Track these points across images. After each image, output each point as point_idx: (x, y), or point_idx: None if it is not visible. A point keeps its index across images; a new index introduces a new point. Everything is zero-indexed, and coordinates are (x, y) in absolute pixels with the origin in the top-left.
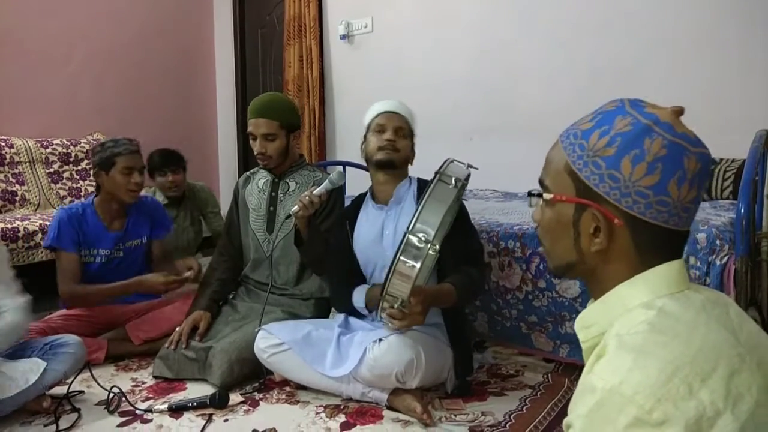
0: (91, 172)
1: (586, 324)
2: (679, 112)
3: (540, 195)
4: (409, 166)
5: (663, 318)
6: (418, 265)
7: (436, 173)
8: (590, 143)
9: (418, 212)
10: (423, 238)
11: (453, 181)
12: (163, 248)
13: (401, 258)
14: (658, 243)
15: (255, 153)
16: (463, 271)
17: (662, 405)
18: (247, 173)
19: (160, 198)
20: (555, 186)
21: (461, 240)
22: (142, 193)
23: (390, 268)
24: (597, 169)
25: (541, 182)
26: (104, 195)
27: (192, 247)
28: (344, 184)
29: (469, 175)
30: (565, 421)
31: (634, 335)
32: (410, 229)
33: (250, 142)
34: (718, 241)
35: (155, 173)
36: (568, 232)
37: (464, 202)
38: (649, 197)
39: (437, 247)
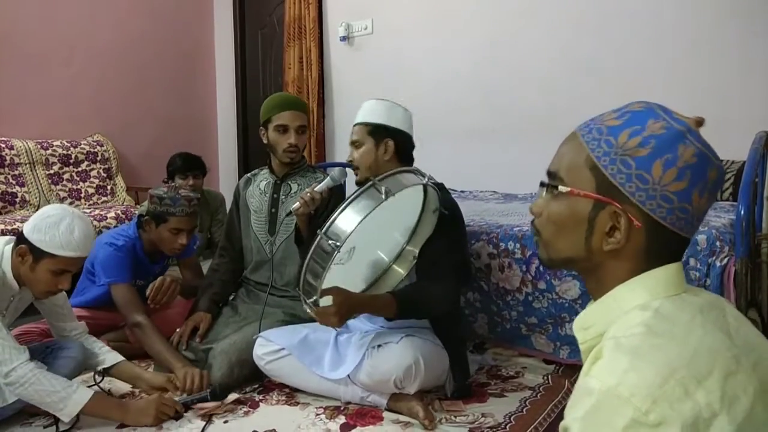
0: (144, 216)
1: (584, 325)
2: (700, 123)
3: (555, 186)
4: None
5: (659, 320)
6: (324, 268)
7: (373, 180)
8: (619, 141)
9: (336, 215)
10: (332, 245)
11: (383, 191)
12: (193, 267)
13: (311, 258)
14: (667, 247)
15: (284, 148)
16: (419, 283)
17: (659, 406)
18: (248, 175)
19: None
20: (571, 179)
21: (432, 251)
22: None
23: (303, 267)
24: (626, 168)
25: (552, 174)
26: (149, 239)
27: (197, 254)
28: (344, 183)
29: (426, 186)
30: (562, 424)
31: (631, 337)
32: (324, 231)
33: (275, 135)
34: (718, 243)
35: (176, 175)
36: (581, 228)
37: (463, 204)
38: (674, 203)
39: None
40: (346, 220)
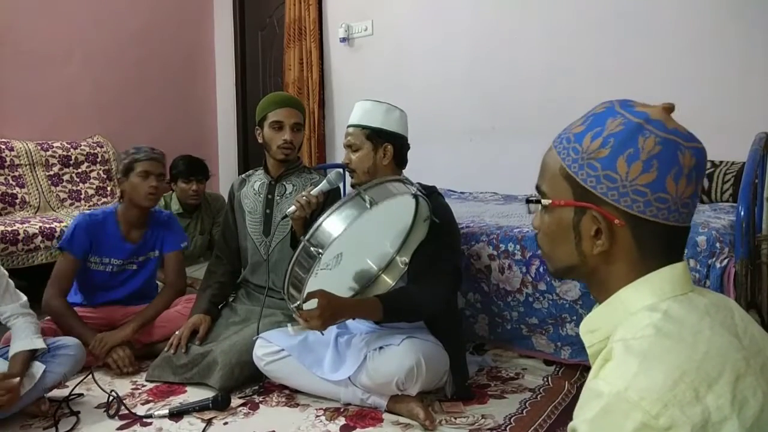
0: (118, 181)
1: (590, 328)
2: (669, 108)
3: (538, 201)
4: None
5: (668, 322)
6: (308, 273)
7: (358, 189)
8: (584, 146)
9: (320, 222)
10: (314, 252)
11: (368, 200)
12: (177, 262)
13: (295, 263)
14: (659, 241)
15: (278, 144)
16: (406, 288)
17: (669, 410)
18: (243, 176)
19: (175, 206)
20: (552, 191)
21: (422, 256)
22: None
23: (287, 271)
24: (593, 171)
25: (538, 188)
26: (126, 203)
27: (198, 255)
28: (342, 185)
29: (416, 195)
30: (570, 425)
31: (640, 339)
32: (307, 238)
33: (270, 132)
34: (718, 244)
35: (179, 179)
36: (569, 236)
37: (463, 205)
38: (647, 195)
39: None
40: (329, 227)
